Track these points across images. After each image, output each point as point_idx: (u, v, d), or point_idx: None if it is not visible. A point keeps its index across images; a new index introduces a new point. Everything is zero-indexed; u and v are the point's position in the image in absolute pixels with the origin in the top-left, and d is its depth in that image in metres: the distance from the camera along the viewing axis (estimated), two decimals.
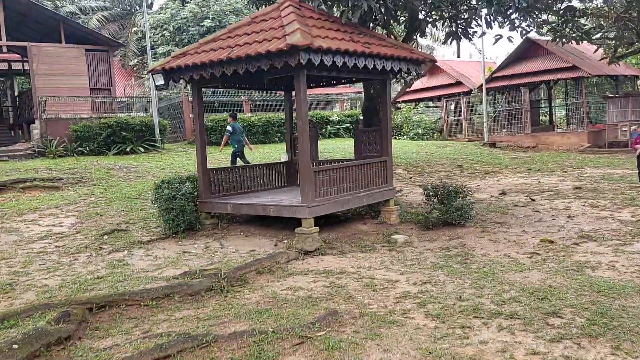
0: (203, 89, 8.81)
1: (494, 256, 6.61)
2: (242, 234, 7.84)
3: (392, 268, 6.24)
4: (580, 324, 4.24)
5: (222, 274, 5.54)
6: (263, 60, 6.66)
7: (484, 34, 12.08)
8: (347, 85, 28.34)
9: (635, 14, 12.31)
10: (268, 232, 7.82)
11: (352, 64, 7.32)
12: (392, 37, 12.43)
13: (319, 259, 6.68)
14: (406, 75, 12.67)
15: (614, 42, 15.91)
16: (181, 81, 9.39)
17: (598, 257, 6.31)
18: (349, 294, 5.30)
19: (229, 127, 12.84)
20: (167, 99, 22.91)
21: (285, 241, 7.25)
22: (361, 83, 13.87)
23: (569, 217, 8.52)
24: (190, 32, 25.31)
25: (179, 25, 25.89)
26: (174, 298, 5.04)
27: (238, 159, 12.87)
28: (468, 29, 12.26)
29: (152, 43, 23.75)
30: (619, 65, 20.38)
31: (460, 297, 5.05)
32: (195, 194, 7.91)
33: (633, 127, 18.02)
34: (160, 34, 26.30)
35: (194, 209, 7.85)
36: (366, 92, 11.62)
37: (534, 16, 13.38)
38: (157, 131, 17.02)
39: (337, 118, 24.14)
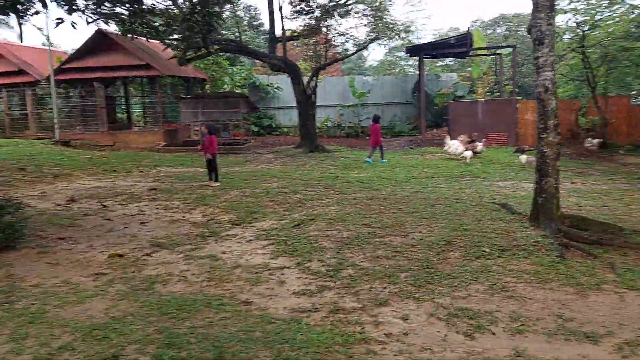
0: None
1: (50, 285, 5.36)
2: None
3: None
4: None
5: None
6: None
7: (37, 12, 10.33)
8: None
9: (200, 18, 12.88)
10: None
11: None
12: None
13: None
14: None
15: (183, 43, 16.66)
16: None
17: (170, 267, 5.94)
18: None
19: None
20: None
21: None
22: None
23: (142, 223, 8.04)
24: None
25: None
26: None
27: None
28: (18, 4, 10.24)
29: None
30: (189, 67, 21.85)
31: None
32: None
33: (199, 128, 19.64)
34: None
35: None
36: None
37: (101, 3, 12.47)
38: None
39: None
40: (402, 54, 47.93)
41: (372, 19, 17.81)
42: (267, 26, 48.09)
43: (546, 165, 7.06)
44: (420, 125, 21.98)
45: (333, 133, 24.81)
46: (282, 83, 25.91)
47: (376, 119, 16.51)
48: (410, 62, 47.91)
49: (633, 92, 22.80)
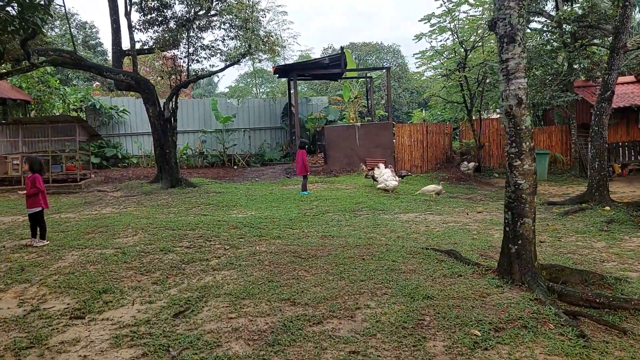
0: None
1: None
2: None
3: None
4: None
5: None
6: None
7: None
8: None
9: (17, 12, 9.52)
10: None
11: None
12: None
13: None
14: None
15: None
16: None
17: None
18: None
19: None
20: None
21: None
22: None
23: None
24: None
25: None
26: None
27: None
28: None
29: None
30: (4, 85, 17.52)
31: None
32: None
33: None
34: None
35: None
36: None
37: None
38: None
39: None
40: (254, 79, 46.49)
41: (242, 32, 15.61)
42: (107, 45, 43.32)
43: (521, 202, 5.40)
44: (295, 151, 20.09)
45: (194, 163, 21.92)
46: (128, 105, 22.44)
47: (302, 145, 14.39)
48: (262, 90, 46.58)
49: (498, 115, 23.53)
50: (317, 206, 11.96)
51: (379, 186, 13.90)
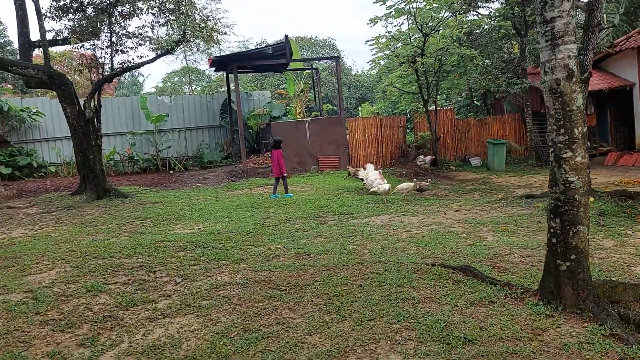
0: None
1: None
2: None
3: None
4: None
5: None
6: None
7: None
8: None
9: None
10: None
11: None
12: None
13: None
14: None
15: None
16: None
17: None
18: None
19: None
20: None
21: None
22: None
23: None
24: None
25: None
26: None
27: None
28: None
29: None
30: None
31: None
32: None
33: None
34: None
35: None
36: None
37: None
38: None
39: None
40: (186, 76, 43.92)
41: (175, 16, 13.78)
42: (16, 40, 39.32)
43: (574, 205, 4.21)
44: (241, 151, 18.45)
45: (123, 169, 19.74)
46: (43, 106, 19.91)
47: (277, 143, 12.82)
48: (195, 87, 44.09)
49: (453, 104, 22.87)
50: (274, 213, 10.50)
51: (371, 190, 12.54)
